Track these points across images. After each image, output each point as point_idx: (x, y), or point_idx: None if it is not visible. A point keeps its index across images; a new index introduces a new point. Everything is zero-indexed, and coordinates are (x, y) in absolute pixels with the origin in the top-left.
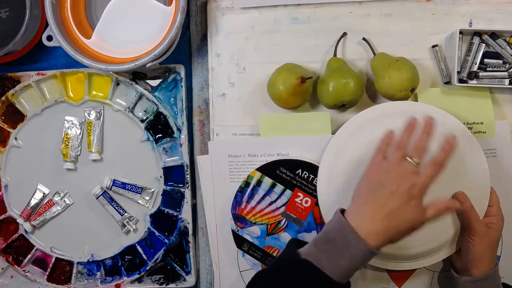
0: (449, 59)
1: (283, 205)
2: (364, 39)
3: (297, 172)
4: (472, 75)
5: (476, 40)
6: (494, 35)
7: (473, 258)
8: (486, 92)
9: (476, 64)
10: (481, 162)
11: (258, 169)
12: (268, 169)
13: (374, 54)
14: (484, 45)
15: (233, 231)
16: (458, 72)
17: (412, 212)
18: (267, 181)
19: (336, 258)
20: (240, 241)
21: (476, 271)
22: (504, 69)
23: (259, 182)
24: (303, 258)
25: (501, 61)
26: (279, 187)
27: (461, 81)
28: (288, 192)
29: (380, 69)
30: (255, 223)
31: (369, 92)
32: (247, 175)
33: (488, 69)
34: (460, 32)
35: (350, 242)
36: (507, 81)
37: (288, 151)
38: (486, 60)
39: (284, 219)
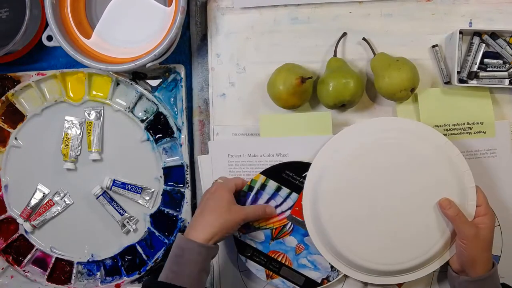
0: (449, 59)
1: (289, 208)
2: (364, 39)
3: (303, 175)
4: (472, 75)
5: (476, 40)
6: (494, 35)
7: (467, 261)
8: (486, 92)
9: (476, 64)
10: (462, 165)
11: (263, 173)
12: (273, 172)
13: (374, 54)
14: (484, 45)
15: (235, 237)
16: (458, 72)
17: (221, 201)
18: (272, 185)
19: (179, 268)
20: (242, 247)
21: (473, 273)
22: (504, 69)
23: (263, 186)
24: (158, 281)
25: (501, 61)
26: (284, 191)
27: (461, 81)
28: (294, 196)
29: (380, 69)
30: (258, 228)
31: (369, 92)
32: (249, 177)
33: (488, 69)
34: (460, 32)
35: (184, 247)
36: (507, 81)
37: (289, 151)
38: (486, 60)
39: (290, 223)
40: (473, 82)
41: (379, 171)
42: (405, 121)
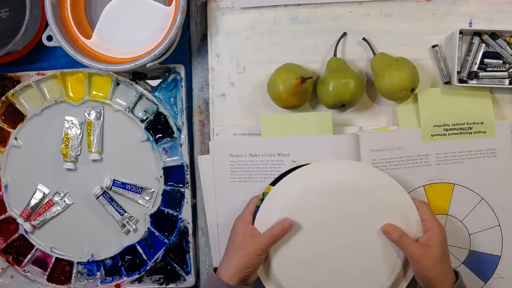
0: (449, 59)
1: None
2: (364, 39)
3: None
4: (472, 75)
5: (476, 40)
6: (494, 35)
7: (425, 281)
8: (487, 92)
9: (476, 64)
10: (397, 188)
11: (272, 184)
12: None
13: (374, 54)
14: (484, 45)
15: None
16: (458, 72)
17: (236, 238)
18: None
19: None
20: None
21: None
22: (504, 69)
23: None
24: None
25: (501, 61)
26: None
27: (461, 81)
28: None
29: (380, 69)
30: None
31: (369, 92)
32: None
33: (488, 69)
34: (460, 32)
35: (212, 284)
36: (507, 81)
37: (290, 151)
38: (486, 60)
39: None
40: (473, 82)
41: (321, 218)
42: (357, 165)
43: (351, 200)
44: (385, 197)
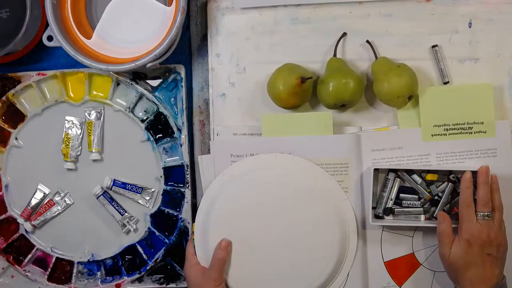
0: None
1: None
2: (368, 41)
3: None
4: (388, 211)
5: (392, 175)
6: (409, 171)
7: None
8: (488, 92)
9: (391, 200)
10: (338, 192)
11: (193, 221)
12: None
13: (376, 57)
14: (399, 180)
15: None
16: (374, 208)
17: (198, 284)
18: None
19: None
20: None
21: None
22: (419, 205)
23: None
24: None
25: (416, 197)
26: None
27: (377, 217)
28: None
29: (381, 73)
30: None
31: (369, 92)
32: None
33: (404, 204)
34: (375, 170)
35: None
36: (422, 217)
37: (291, 151)
38: (401, 195)
39: None
40: (389, 218)
41: (262, 208)
42: (284, 156)
43: (275, 192)
44: (313, 185)
